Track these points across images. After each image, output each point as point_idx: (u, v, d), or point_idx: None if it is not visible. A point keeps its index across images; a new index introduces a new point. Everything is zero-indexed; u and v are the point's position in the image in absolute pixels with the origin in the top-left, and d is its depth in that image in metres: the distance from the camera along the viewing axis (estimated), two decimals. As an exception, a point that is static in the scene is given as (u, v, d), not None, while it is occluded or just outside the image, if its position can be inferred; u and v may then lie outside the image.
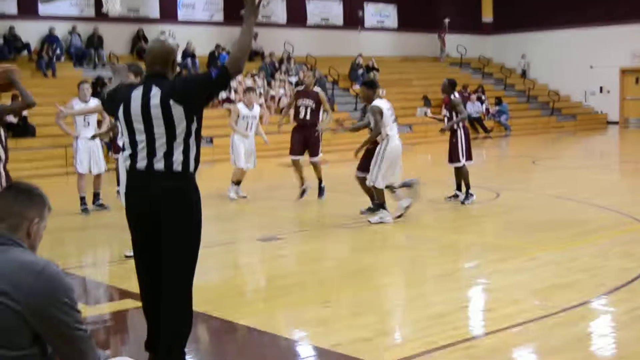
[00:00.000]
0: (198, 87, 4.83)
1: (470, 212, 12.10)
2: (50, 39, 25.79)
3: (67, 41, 26.64)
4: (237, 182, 13.88)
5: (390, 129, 10.67)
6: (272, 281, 8.09)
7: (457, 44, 36.89)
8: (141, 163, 4.82)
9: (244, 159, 13.68)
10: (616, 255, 8.78)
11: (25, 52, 25.53)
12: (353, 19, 34.42)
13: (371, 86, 11.13)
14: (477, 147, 27.70)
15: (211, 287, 7.52)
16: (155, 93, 4.76)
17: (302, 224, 11.68)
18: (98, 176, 12.77)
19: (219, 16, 30.52)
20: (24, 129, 21.25)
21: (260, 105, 26.17)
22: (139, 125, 4.81)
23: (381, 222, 10.59)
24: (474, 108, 30.98)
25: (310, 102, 12.98)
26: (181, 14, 29.78)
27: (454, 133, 12.63)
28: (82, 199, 12.57)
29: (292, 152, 13.09)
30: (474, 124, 30.75)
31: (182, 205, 4.83)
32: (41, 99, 22.69)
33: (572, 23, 35.27)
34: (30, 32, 25.76)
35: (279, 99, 27.27)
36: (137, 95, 4.83)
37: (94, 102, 12.47)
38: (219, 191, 14.08)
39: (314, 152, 13.05)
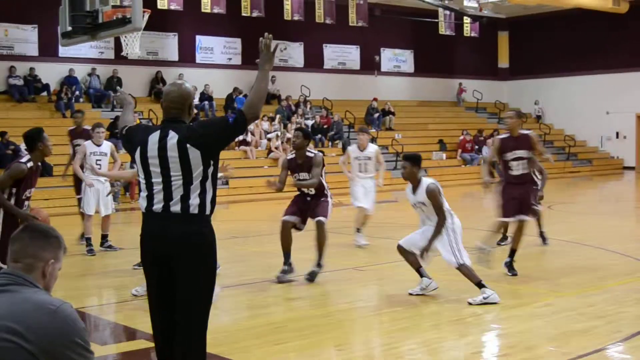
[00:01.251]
0: (215, 132, 4.83)
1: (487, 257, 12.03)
2: (69, 81, 26.10)
3: (86, 83, 26.95)
4: (360, 226, 13.18)
5: (446, 202, 8.99)
6: (286, 324, 8.06)
7: (473, 88, 37.04)
8: (157, 206, 4.84)
9: (361, 199, 13.16)
10: (632, 302, 8.71)
11: (44, 93, 25.83)
12: (370, 64, 34.65)
13: (416, 162, 9.03)
14: (493, 192, 27.68)
15: (224, 329, 7.51)
16: (173, 137, 4.78)
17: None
18: (106, 217, 12.84)
19: (237, 59, 30.81)
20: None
21: (277, 148, 26.31)
22: (155, 169, 4.84)
23: (485, 303, 8.57)
24: (489, 152, 31.02)
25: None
26: (199, 57, 30.10)
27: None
28: (88, 239, 12.63)
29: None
30: (490, 169, 30.73)
31: (199, 248, 4.83)
32: (59, 140, 22.96)
33: (588, 69, 35.39)
34: (50, 73, 26.10)
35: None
36: (154, 138, 4.86)
37: (107, 147, 12.77)
38: (233, 232, 14.08)
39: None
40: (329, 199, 10.28)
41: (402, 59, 36.27)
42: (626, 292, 9.23)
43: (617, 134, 35.51)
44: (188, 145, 4.74)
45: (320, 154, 10.50)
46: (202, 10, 25.21)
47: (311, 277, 9.94)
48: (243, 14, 26.17)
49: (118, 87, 26.04)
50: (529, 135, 10.27)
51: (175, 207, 4.79)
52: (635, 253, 11.66)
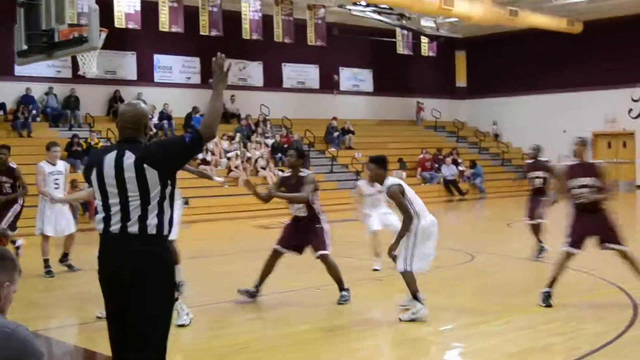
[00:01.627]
0: (173, 152, 4.80)
1: (445, 275, 12.08)
2: (26, 100, 25.83)
3: (43, 102, 26.68)
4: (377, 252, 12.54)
5: (417, 203, 8.92)
6: (248, 344, 8.00)
7: (432, 107, 37.34)
8: (115, 226, 4.77)
9: (375, 220, 12.51)
10: (591, 319, 8.78)
11: (0, 112, 25.51)
12: (329, 83, 34.78)
13: (382, 163, 9.10)
14: (452, 209, 27.88)
15: (184, 349, 7.43)
16: (129, 157, 4.74)
17: (282, 285, 11.61)
18: (70, 236, 12.68)
19: (196, 78, 30.75)
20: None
21: (237, 167, 26.26)
22: (112, 189, 4.78)
23: (414, 320, 8.59)
24: (449, 171, 31.29)
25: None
26: (158, 76, 29.99)
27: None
28: (46, 261, 12.42)
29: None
30: (449, 187, 30.99)
31: (156, 268, 4.77)
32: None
33: (544, 88, 35.86)
34: (7, 92, 25.82)
35: (256, 161, 27.35)
36: (110, 158, 4.81)
37: (62, 166, 12.70)
38: (195, 252, 13.99)
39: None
40: (324, 225, 9.91)
41: (361, 78, 36.46)
42: (585, 309, 9.31)
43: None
44: (145, 165, 4.70)
45: (312, 174, 10.11)
46: (160, 29, 25.10)
47: (343, 301, 9.78)
48: (201, 33, 26.09)
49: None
50: (596, 164, 9.85)
51: (133, 228, 4.73)
52: (595, 270, 11.77)
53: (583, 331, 8.16)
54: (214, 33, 26.09)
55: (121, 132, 4.95)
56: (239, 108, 31.11)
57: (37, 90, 26.62)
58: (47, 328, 8.93)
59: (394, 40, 32.19)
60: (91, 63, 14.13)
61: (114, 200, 4.78)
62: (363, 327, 8.71)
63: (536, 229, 13.53)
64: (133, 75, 29.42)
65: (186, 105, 29.14)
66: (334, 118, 32.40)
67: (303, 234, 9.89)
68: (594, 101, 34.38)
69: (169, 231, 4.85)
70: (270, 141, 29.42)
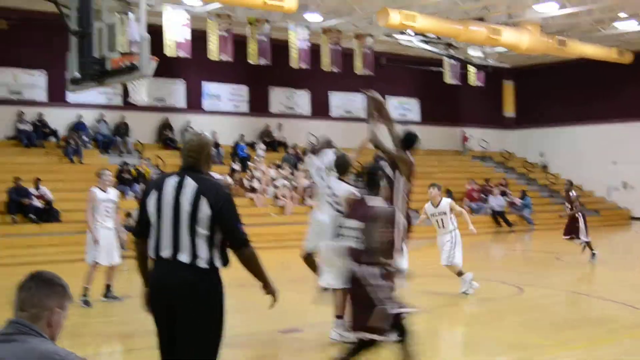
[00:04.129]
0: (225, 218, 4.92)
1: (493, 307, 11.96)
2: (78, 127, 26.23)
3: (94, 129, 27.07)
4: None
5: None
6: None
7: (479, 137, 37.14)
8: (166, 252, 4.89)
9: (444, 257, 12.82)
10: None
11: (53, 139, 25.94)
12: (376, 111, 34.74)
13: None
14: (500, 241, 27.59)
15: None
16: (191, 185, 4.91)
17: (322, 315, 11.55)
18: (112, 267, 12.51)
19: (244, 106, 30.98)
20: (48, 214, 21.43)
21: (284, 196, 26.31)
22: (168, 215, 4.90)
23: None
24: (496, 202, 31.00)
25: None
26: (206, 104, 30.25)
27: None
28: (86, 289, 12.13)
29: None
30: (497, 218, 30.71)
31: (205, 298, 4.84)
32: (67, 185, 23.09)
33: (594, 118, 35.50)
34: (59, 119, 26.25)
35: (303, 190, 27.37)
36: (170, 184, 4.98)
37: (114, 192, 12.62)
38: (241, 280, 13.95)
39: None
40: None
41: (407, 107, 36.43)
42: (636, 345, 9.12)
43: (625, 184, 35.47)
44: (203, 199, 4.84)
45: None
46: (210, 57, 25.38)
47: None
48: (250, 62, 26.33)
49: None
50: None
51: (183, 257, 4.82)
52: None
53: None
54: (262, 62, 26.30)
55: (184, 160, 5.11)
56: (286, 136, 31.26)
57: (89, 117, 27.03)
58: (94, 354, 8.98)
59: (441, 69, 32.14)
60: (141, 91, 14.30)
61: (167, 226, 4.88)
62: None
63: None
64: (182, 103, 29.72)
65: (234, 132, 29.35)
66: (381, 147, 32.34)
67: None
68: (645, 132, 33.96)
69: (223, 263, 4.95)
70: (316, 169, 29.46)
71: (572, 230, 18.70)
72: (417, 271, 12.57)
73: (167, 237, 4.88)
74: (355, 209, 6.95)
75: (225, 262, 4.99)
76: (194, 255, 4.82)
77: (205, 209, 4.83)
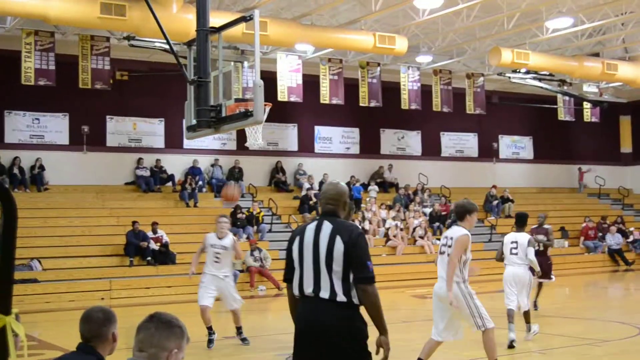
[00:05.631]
0: (356, 255, 5.23)
1: (611, 349, 11.60)
2: (193, 171, 26.94)
3: (209, 173, 27.74)
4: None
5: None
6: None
7: (595, 174, 36.24)
8: (308, 290, 5.31)
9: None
10: None
11: (169, 183, 26.70)
12: (488, 150, 34.47)
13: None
14: (618, 280, 26.75)
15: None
16: (327, 226, 5.36)
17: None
18: (234, 312, 12.47)
19: (355, 149, 31.18)
20: (165, 256, 22.04)
21: (395, 237, 26.27)
22: (308, 256, 5.36)
23: None
24: (614, 240, 30.15)
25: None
26: (318, 147, 30.58)
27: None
28: (209, 328, 12.32)
29: None
30: (614, 256, 29.83)
31: (345, 333, 5.17)
32: (183, 228, 23.71)
33: None
34: (175, 164, 27.03)
35: (414, 230, 27.26)
36: (311, 228, 5.47)
37: (229, 241, 12.48)
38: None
39: None
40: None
41: (520, 145, 35.92)
42: None
43: None
44: (337, 237, 5.27)
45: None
46: (321, 101, 25.75)
47: None
48: (361, 104, 26.58)
49: None
50: None
51: (324, 293, 5.23)
52: None
53: None
54: (373, 104, 26.52)
55: (323, 207, 5.62)
56: (397, 177, 31.25)
57: (204, 162, 27.71)
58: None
59: (554, 106, 31.65)
60: (257, 135, 14.62)
61: (309, 265, 5.35)
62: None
63: None
64: (294, 146, 30.15)
65: (345, 174, 29.54)
66: (494, 186, 31.97)
67: None
68: None
69: (358, 300, 5.23)
70: (428, 210, 29.32)
71: None
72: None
73: (308, 276, 5.32)
74: None
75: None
76: (333, 291, 5.20)
77: (339, 246, 5.22)
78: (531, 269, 12.54)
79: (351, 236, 5.26)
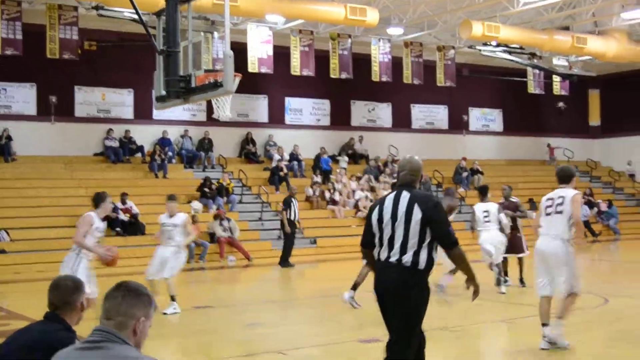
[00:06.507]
0: (437, 220, 5.88)
1: (578, 319, 11.75)
2: (162, 142, 26.81)
3: (178, 144, 27.62)
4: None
5: None
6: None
7: (564, 147, 36.53)
8: (382, 254, 5.98)
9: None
10: None
11: (139, 154, 26.57)
12: (458, 123, 34.61)
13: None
14: (585, 251, 27.06)
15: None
16: (405, 195, 5.97)
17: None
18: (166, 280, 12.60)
19: (325, 120, 31.18)
20: (134, 227, 21.99)
21: (365, 208, 26.37)
22: (387, 224, 5.94)
23: None
24: (582, 211, 30.43)
25: None
26: (288, 119, 30.55)
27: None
28: (172, 297, 12.49)
29: None
30: (582, 228, 30.18)
31: (407, 292, 5.83)
32: (152, 199, 23.62)
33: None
34: (145, 135, 26.90)
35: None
36: (390, 198, 6.07)
37: (180, 217, 12.83)
38: (324, 291, 14.08)
39: None
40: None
41: (490, 118, 36.10)
42: None
43: None
44: (416, 205, 5.87)
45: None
46: (292, 73, 25.67)
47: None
48: (332, 76, 26.54)
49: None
50: None
51: (394, 257, 5.88)
52: None
53: None
54: (343, 76, 26.49)
55: (402, 179, 6.17)
56: (368, 149, 31.32)
57: (173, 133, 27.59)
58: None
59: (524, 79, 31.80)
60: (225, 107, 14.57)
61: (387, 232, 5.95)
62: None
63: None
64: (264, 118, 30.08)
65: (315, 146, 29.55)
66: (463, 158, 32.14)
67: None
68: None
69: (426, 268, 5.88)
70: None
71: None
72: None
73: (385, 242, 5.94)
74: None
75: (429, 265, 5.89)
76: (402, 255, 5.82)
77: (417, 214, 5.83)
78: (502, 230, 14.90)
79: (428, 207, 5.85)
